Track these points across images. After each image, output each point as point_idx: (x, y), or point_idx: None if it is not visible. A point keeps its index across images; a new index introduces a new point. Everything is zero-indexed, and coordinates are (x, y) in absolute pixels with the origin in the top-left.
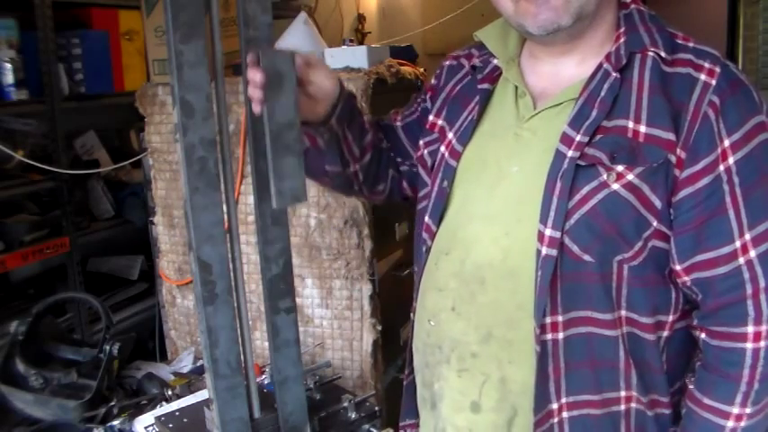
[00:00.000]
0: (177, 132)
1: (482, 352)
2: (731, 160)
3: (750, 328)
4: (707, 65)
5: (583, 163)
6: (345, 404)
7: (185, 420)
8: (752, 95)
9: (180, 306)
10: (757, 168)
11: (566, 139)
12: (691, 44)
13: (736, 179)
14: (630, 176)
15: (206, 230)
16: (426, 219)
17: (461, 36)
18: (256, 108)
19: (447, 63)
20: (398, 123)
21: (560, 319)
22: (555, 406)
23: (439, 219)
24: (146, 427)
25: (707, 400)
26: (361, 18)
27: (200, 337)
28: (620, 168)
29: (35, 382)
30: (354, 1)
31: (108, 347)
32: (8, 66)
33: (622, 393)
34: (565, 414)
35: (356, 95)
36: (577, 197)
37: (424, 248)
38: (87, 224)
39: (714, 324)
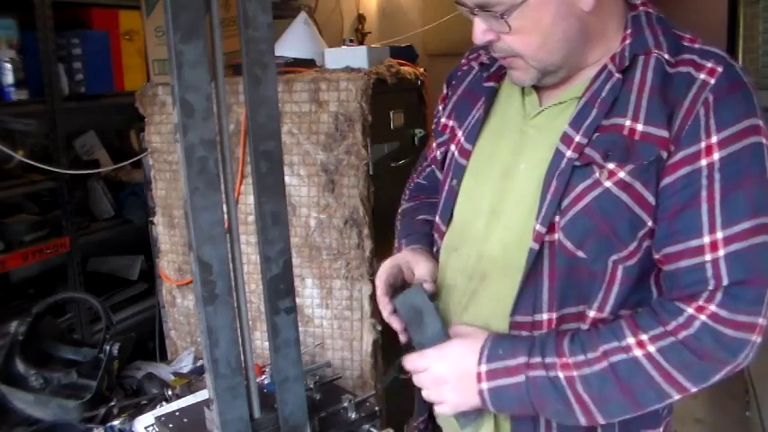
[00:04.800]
0: (177, 132)
1: None
2: (716, 156)
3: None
4: (709, 65)
5: (579, 163)
6: (345, 404)
7: (185, 420)
8: (751, 99)
9: (180, 306)
10: (742, 169)
11: (566, 139)
12: (697, 45)
13: (717, 175)
14: (622, 174)
15: (206, 230)
16: (436, 219)
17: (461, 36)
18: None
19: (458, 73)
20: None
21: (554, 315)
22: None
23: (449, 217)
24: (146, 427)
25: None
26: (361, 18)
27: (200, 337)
28: (611, 166)
29: (35, 382)
30: (354, 1)
31: (108, 347)
32: (8, 66)
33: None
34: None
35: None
36: (572, 195)
37: (434, 249)
38: (87, 224)
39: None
